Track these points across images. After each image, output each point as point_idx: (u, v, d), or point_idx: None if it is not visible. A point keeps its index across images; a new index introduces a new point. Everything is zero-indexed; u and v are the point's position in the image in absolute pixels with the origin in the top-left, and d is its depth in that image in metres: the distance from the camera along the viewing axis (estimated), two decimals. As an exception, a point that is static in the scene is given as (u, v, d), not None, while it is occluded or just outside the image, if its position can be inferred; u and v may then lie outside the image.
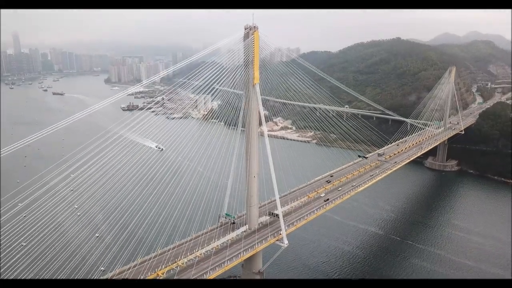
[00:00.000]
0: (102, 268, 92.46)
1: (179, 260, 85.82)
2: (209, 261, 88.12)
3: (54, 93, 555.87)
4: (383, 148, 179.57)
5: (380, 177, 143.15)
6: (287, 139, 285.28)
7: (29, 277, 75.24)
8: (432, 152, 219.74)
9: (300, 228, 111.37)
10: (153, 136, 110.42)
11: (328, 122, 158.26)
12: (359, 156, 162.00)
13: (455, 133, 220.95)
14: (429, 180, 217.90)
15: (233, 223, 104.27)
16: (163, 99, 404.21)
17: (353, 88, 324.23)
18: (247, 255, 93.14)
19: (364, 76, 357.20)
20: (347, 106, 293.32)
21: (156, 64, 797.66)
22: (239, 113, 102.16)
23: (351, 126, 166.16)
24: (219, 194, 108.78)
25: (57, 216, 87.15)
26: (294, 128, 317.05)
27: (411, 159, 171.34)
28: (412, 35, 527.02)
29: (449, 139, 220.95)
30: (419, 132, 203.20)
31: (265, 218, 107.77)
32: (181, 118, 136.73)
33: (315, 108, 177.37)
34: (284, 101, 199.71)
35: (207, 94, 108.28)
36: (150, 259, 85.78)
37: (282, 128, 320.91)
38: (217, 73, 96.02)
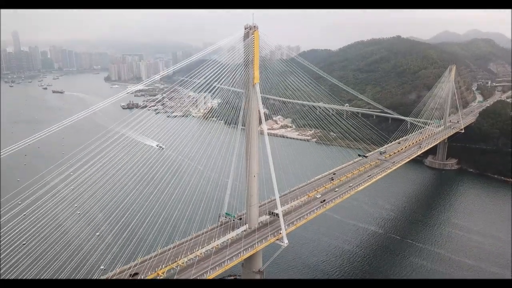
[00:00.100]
0: (102, 267, 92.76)
1: (179, 259, 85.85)
2: (209, 260, 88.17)
3: (54, 91, 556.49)
4: (385, 146, 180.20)
5: (377, 178, 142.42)
6: (287, 137, 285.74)
7: (30, 276, 75.32)
8: (432, 151, 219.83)
9: (300, 227, 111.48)
10: (153, 135, 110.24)
11: (328, 121, 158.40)
12: (359, 155, 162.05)
13: (455, 132, 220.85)
14: (429, 179, 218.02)
15: (240, 219, 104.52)
16: (163, 97, 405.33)
17: (353, 87, 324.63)
18: (247, 254, 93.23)
19: (364, 75, 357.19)
20: (347, 104, 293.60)
21: (156, 62, 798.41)
22: (239, 113, 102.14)
23: (350, 125, 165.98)
24: (219, 193, 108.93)
25: (58, 216, 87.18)
26: (294, 126, 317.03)
27: (410, 158, 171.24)
28: (413, 33, 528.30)
29: (449, 137, 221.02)
30: (419, 130, 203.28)
31: (265, 218, 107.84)
32: (181, 116, 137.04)
33: (315, 107, 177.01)
34: (284, 99, 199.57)
35: (207, 93, 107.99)
36: (150, 258, 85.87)
37: (282, 127, 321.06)
38: (218, 71, 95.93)
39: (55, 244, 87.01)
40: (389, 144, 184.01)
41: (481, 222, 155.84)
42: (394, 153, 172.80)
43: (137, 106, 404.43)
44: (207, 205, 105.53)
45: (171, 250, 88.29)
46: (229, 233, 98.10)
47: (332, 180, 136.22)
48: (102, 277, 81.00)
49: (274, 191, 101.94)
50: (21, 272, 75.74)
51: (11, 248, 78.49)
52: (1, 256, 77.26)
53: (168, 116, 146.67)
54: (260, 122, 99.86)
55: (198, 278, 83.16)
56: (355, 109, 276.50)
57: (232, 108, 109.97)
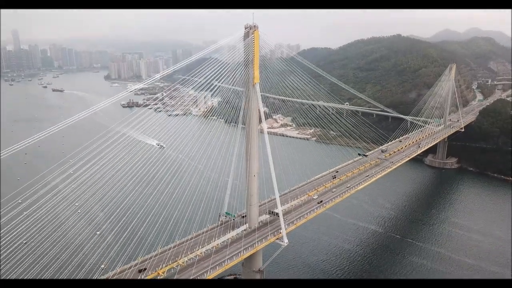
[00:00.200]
0: (102, 266, 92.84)
1: (180, 259, 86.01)
2: (210, 260, 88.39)
3: (53, 90, 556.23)
4: (386, 144, 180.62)
5: (375, 179, 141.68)
6: (287, 136, 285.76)
7: (31, 275, 75.45)
8: (432, 150, 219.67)
9: (300, 226, 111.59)
10: (153, 134, 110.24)
11: (328, 119, 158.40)
12: (359, 154, 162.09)
13: (455, 131, 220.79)
14: (429, 178, 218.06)
15: (243, 216, 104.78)
16: (163, 96, 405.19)
17: (353, 85, 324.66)
18: (247, 254, 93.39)
19: (364, 73, 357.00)
20: (347, 103, 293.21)
21: (156, 60, 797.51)
22: (239, 113, 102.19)
23: (350, 124, 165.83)
24: (219, 192, 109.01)
25: (58, 215, 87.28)
26: (294, 125, 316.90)
27: (409, 158, 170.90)
28: (413, 32, 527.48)
29: (449, 136, 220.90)
30: (420, 129, 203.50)
31: (265, 217, 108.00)
32: (181, 115, 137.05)
33: (315, 105, 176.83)
34: (284, 98, 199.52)
35: (208, 91, 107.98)
36: (151, 258, 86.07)
37: (282, 125, 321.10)
38: (218, 70, 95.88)
39: (56, 244, 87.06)
40: (390, 143, 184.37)
41: (481, 221, 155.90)
42: (395, 151, 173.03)
43: (137, 104, 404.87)
44: (207, 204, 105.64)
45: (171, 249, 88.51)
46: (229, 232, 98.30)
47: (334, 178, 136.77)
48: (102, 277, 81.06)
49: (274, 191, 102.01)
50: (22, 272, 75.87)
51: (11, 248, 78.72)
52: (2, 256, 77.36)
53: (169, 115, 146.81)
54: (260, 121, 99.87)
55: (198, 277, 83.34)
56: (355, 108, 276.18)
57: (232, 107, 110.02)
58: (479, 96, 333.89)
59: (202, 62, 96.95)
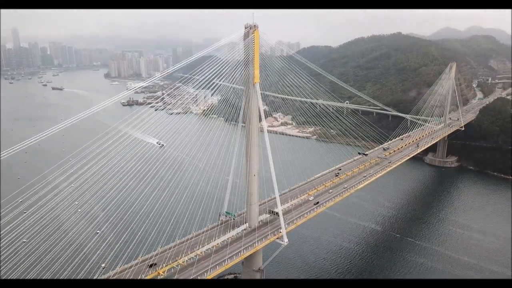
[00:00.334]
0: (103, 265, 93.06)
1: (180, 258, 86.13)
2: (210, 259, 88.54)
3: (53, 88, 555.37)
4: (388, 142, 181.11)
5: (372, 179, 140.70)
6: (287, 134, 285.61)
7: (31, 275, 75.65)
8: (432, 148, 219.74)
9: (300, 225, 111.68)
10: (153, 132, 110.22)
11: (327, 118, 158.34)
12: (359, 153, 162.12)
13: (455, 130, 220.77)
14: (429, 176, 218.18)
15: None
16: (163, 95, 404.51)
17: (354, 84, 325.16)
18: (247, 253, 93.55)
19: (364, 71, 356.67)
20: (347, 101, 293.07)
21: (156, 58, 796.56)
22: (239, 112, 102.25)
23: (350, 123, 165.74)
24: (219, 192, 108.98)
25: (58, 214, 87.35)
26: (294, 123, 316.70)
27: (408, 157, 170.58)
28: (413, 30, 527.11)
29: (449, 135, 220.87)
30: (421, 127, 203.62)
31: (265, 216, 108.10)
32: (181, 113, 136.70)
33: (315, 104, 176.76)
34: (284, 96, 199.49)
35: (208, 90, 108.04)
36: (151, 257, 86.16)
37: (282, 124, 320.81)
38: (219, 69, 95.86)
39: (56, 243, 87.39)
40: (392, 141, 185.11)
41: (481, 220, 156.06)
42: (397, 149, 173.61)
43: (137, 103, 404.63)
44: (207, 203, 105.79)
45: (171, 249, 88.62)
46: (229, 232, 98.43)
47: (337, 175, 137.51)
48: (102, 276, 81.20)
49: (274, 190, 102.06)
50: (23, 271, 76.00)
51: (12, 248, 78.90)
52: (3, 255, 77.51)
53: (170, 114, 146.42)
54: (260, 120, 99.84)
55: (199, 277, 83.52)
56: (355, 106, 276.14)
57: (233, 107, 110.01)
58: (479, 95, 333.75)
59: (203, 60, 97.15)
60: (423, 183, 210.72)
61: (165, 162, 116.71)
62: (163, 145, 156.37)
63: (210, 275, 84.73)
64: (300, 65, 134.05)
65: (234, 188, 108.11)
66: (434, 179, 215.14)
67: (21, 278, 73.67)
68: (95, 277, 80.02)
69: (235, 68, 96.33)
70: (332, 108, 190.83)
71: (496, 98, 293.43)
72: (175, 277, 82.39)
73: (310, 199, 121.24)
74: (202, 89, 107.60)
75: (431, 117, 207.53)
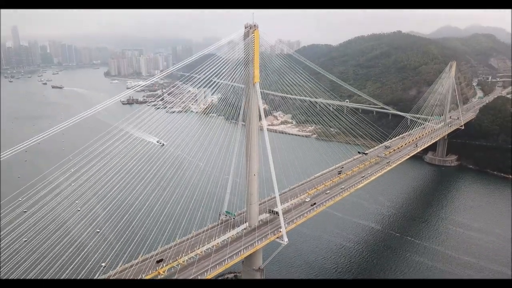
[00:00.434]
0: (103, 264, 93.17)
1: (180, 258, 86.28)
2: (210, 259, 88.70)
3: (53, 87, 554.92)
4: (390, 141, 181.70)
5: (369, 180, 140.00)
6: (287, 133, 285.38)
7: (32, 274, 75.80)
8: (432, 147, 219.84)
9: (301, 224, 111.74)
10: (153, 131, 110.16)
11: (327, 117, 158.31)
12: (359, 152, 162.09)
13: (455, 129, 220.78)
14: (429, 175, 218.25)
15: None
16: (163, 93, 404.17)
17: (354, 82, 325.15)
18: (247, 253, 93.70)
19: (364, 70, 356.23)
20: (347, 100, 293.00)
21: (156, 57, 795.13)
22: (239, 112, 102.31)
23: (350, 122, 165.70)
24: (219, 191, 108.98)
25: (59, 213, 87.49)
26: (294, 122, 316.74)
27: (408, 157, 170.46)
28: (413, 28, 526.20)
29: (449, 134, 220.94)
30: (422, 125, 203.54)
31: (265, 216, 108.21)
32: (181, 112, 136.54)
33: (315, 102, 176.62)
34: (284, 95, 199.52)
35: (208, 88, 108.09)
36: (151, 257, 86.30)
37: (282, 123, 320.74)
38: (219, 68, 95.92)
39: (56, 242, 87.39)
40: (393, 139, 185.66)
41: (481, 219, 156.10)
42: (397, 148, 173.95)
43: (137, 101, 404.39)
44: (207, 203, 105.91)
45: (172, 248, 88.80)
46: (229, 231, 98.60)
47: (339, 174, 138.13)
48: (102, 275, 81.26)
49: (274, 190, 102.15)
50: (24, 271, 76.04)
51: (12, 247, 79.05)
52: (3, 255, 77.63)
53: (169, 112, 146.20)
54: (260, 118, 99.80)
55: (199, 276, 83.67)
56: (355, 105, 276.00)
57: (233, 107, 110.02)
58: (479, 93, 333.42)
59: (204, 59, 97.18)
60: (423, 182, 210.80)
61: (166, 161, 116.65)
62: (163, 144, 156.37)
63: (210, 275, 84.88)
64: (300, 64, 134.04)
65: (234, 188, 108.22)
66: (434, 178, 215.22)
67: (21, 277, 73.75)
68: (95, 277, 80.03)
69: (235, 68, 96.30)
70: (332, 107, 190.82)
71: (496, 96, 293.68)
72: (176, 276, 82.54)
73: (306, 200, 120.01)
74: (203, 87, 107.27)
75: (431, 116, 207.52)
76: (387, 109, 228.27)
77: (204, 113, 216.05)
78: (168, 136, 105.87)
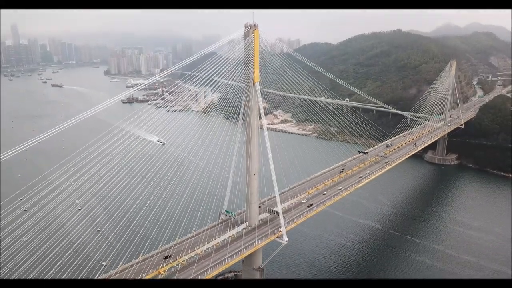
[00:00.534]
0: (103, 263, 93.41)
1: (180, 257, 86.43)
2: (210, 258, 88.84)
3: (53, 85, 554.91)
4: (391, 139, 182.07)
5: (367, 181, 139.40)
6: (287, 132, 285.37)
7: (33, 274, 75.99)
8: (432, 146, 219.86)
9: (301, 223, 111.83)
10: (154, 130, 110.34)
11: (327, 116, 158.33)
12: (359, 152, 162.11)
13: (455, 127, 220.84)
14: (429, 174, 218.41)
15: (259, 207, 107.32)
16: (162, 91, 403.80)
17: (354, 81, 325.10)
18: (247, 252, 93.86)
19: (364, 69, 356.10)
20: (347, 99, 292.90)
21: (156, 55, 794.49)
22: (240, 112, 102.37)
23: (349, 121, 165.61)
24: (220, 190, 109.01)
25: (59, 213, 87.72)
26: (294, 121, 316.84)
27: (408, 156, 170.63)
28: (413, 27, 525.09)
29: (449, 133, 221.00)
30: (423, 124, 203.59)
31: (265, 215, 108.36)
32: (181, 111, 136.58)
33: (314, 101, 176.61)
34: (284, 93, 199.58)
35: (208, 87, 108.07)
36: (152, 256, 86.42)
37: (282, 121, 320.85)
38: (220, 67, 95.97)
39: (57, 241, 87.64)
40: (395, 137, 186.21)
41: (481, 218, 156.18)
42: (397, 147, 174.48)
43: (137, 100, 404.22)
44: (207, 202, 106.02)
45: (172, 248, 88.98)
46: (229, 231, 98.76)
47: (341, 172, 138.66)
48: (103, 274, 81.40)
49: (274, 189, 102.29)
50: (25, 271, 76.21)
51: (14, 246, 79.23)
52: (3, 254, 77.78)
53: (170, 111, 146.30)
54: (260, 117, 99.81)
55: (199, 276, 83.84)
56: (355, 104, 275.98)
57: (233, 106, 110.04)
58: (480, 92, 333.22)
59: (204, 58, 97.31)
60: (423, 181, 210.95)
61: (166, 160, 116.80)
62: (164, 143, 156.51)
63: (210, 274, 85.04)
64: (300, 63, 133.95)
65: (234, 187, 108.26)
66: (434, 177, 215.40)
67: (21, 277, 73.93)
68: (96, 275, 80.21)
69: (235, 67, 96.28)
70: (332, 106, 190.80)
71: (496, 95, 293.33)
72: (176, 276, 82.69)
73: (303, 201, 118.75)
74: (204, 86, 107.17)
75: (431, 115, 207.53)
76: (386, 108, 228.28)
77: (204, 112, 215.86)
78: (168, 135, 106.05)
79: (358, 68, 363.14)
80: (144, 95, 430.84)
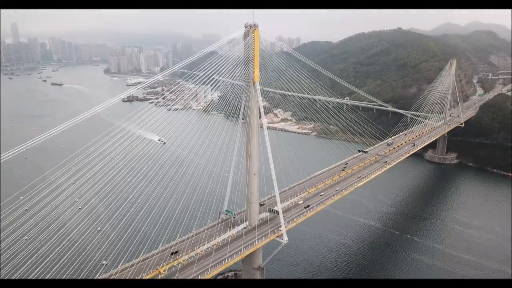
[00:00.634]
0: (104, 262, 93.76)
1: (181, 257, 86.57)
2: (210, 258, 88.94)
3: (53, 84, 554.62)
4: (392, 138, 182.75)
5: (365, 181, 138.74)
6: (287, 131, 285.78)
7: (34, 274, 76.21)
8: (432, 145, 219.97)
9: (301, 222, 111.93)
10: (154, 129, 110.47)
11: (326, 115, 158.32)
12: (359, 151, 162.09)
13: (455, 126, 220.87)
14: (429, 173, 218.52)
15: (261, 205, 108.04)
16: (162, 90, 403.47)
17: (354, 80, 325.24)
18: (247, 252, 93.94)
19: (364, 68, 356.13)
20: (347, 98, 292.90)
21: (156, 54, 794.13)
22: (240, 110, 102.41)
23: (349, 120, 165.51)
24: (220, 190, 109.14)
25: (60, 212, 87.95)
26: (294, 120, 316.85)
27: (407, 155, 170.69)
28: (413, 25, 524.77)
29: (449, 132, 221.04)
30: (424, 122, 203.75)
31: (265, 214, 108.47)
32: (181, 109, 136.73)
33: (313, 100, 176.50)
34: (284, 92, 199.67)
35: (208, 86, 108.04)
36: (152, 256, 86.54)
37: (282, 120, 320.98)
38: (220, 67, 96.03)
39: (58, 240, 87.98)
40: (395, 136, 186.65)
41: (480, 217, 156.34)
42: (398, 145, 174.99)
43: (137, 98, 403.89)
44: (208, 202, 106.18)
45: (172, 247, 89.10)
46: (229, 230, 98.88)
47: (343, 170, 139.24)
48: (103, 273, 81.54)
49: (274, 189, 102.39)
50: (26, 269, 76.46)
51: (15, 246, 79.40)
52: (4, 254, 77.94)
53: (168, 109, 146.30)
54: (260, 116, 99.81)
55: (199, 275, 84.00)
56: (355, 103, 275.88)
57: (233, 105, 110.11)
58: (480, 91, 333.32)
59: (204, 57, 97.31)
60: (423, 180, 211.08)
61: (167, 159, 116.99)
62: (164, 142, 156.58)
63: (210, 274, 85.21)
64: (300, 62, 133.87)
65: (234, 187, 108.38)
66: (434, 176, 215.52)
67: (23, 276, 74.16)
68: (96, 275, 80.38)
69: (235, 67, 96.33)
70: (332, 105, 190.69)
71: (496, 94, 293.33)
72: (176, 275, 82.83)
73: (299, 202, 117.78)
74: (205, 85, 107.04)
75: (431, 113, 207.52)
76: (386, 107, 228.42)
77: (204, 111, 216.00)
78: (169, 134, 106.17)
79: (358, 66, 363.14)
80: (144, 93, 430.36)
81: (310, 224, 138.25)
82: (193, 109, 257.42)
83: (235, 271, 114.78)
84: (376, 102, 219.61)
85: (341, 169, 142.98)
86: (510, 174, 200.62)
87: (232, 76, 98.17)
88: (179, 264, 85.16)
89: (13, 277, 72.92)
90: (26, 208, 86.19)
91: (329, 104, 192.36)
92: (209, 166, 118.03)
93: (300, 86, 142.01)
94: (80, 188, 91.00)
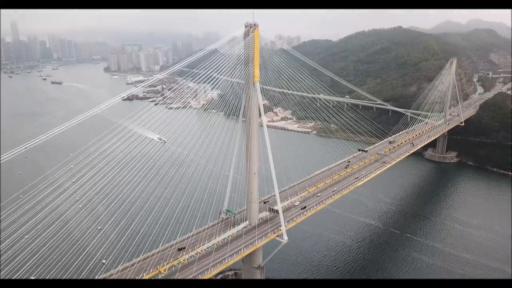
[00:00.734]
0: (104, 261, 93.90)
1: (181, 256, 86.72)
2: (210, 257, 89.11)
3: (53, 82, 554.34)
4: (393, 136, 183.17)
5: (364, 181, 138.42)
6: (287, 129, 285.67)
7: (33, 271, 76.38)
8: (432, 144, 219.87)
9: (301, 222, 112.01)
10: (154, 128, 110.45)
11: (327, 113, 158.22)
12: (359, 150, 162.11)
13: (455, 125, 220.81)
14: (429, 172, 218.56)
15: (265, 202, 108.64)
16: (162, 88, 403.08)
17: (354, 78, 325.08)
18: (247, 251, 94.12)
19: (365, 66, 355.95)
20: (347, 96, 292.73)
21: (156, 52, 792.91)
22: (240, 110, 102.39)
23: (348, 119, 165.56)
24: (220, 189, 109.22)
25: (60, 211, 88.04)
26: (294, 118, 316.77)
27: (407, 154, 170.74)
28: (414, 23, 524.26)
29: (449, 130, 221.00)
30: (425, 121, 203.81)
31: (265, 214, 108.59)
32: (181, 108, 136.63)
33: (313, 99, 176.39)
34: (284, 90, 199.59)
35: (208, 84, 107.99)
36: (152, 255, 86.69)
37: (282, 119, 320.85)
38: (220, 66, 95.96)
39: (58, 239, 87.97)
40: (397, 134, 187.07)
41: (480, 216, 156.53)
42: (399, 144, 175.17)
43: (137, 97, 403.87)
44: (208, 201, 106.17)
45: (173, 246, 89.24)
46: (229, 229, 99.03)
47: (346, 168, 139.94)
48: (104, 272, 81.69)
49: (274, 188, 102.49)
50: (27, 270, 76.57)
51: (14, 244, 79.49)
52: (4, 253, 78.06)
53: (167, 108, 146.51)
54: (260, 115, 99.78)
55: (199, 275, 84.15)
56: (355, 101, 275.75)
57: (233, 104, 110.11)
58: (480, 89, 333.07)
59: (204, 56, 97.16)
60: (423, 178, 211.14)
61: (167, 159, 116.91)
62: (164, 141, 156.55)
63: (210, 273, 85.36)
64: (300, 60, 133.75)
65: (234, 186, 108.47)
66: (434, 175, 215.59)
67: (23, 275, 74.33)
68: (97, 274, 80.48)
69: (236, 65, 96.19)
70: (332, 103, 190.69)
71: (496, 92, 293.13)
72: (176, 275, 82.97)
73: (296, 203, 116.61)
74: (204, 83, 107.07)
75: (431, 112, 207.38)
76: (386, 106, 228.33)
77: (204, 109, 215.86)
78: (169, 133, 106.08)
79: (358, 65, 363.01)
80: (144, 92, 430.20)
81: (310, 223, 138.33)
82: (193, 107, 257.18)
83: (235, 270, 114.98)
84: (376, 101, 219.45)
85: (345, 167, 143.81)
86: (510, 173, 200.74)
87: (232, 75, 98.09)
88: (180, 264, 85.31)
89: (13, 277, 73.02)
90: (27, 208, 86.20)
91: (329, 102, 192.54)
92: (209, 165, 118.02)
93: (300, 84, 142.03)
94: (80, 187, 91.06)
